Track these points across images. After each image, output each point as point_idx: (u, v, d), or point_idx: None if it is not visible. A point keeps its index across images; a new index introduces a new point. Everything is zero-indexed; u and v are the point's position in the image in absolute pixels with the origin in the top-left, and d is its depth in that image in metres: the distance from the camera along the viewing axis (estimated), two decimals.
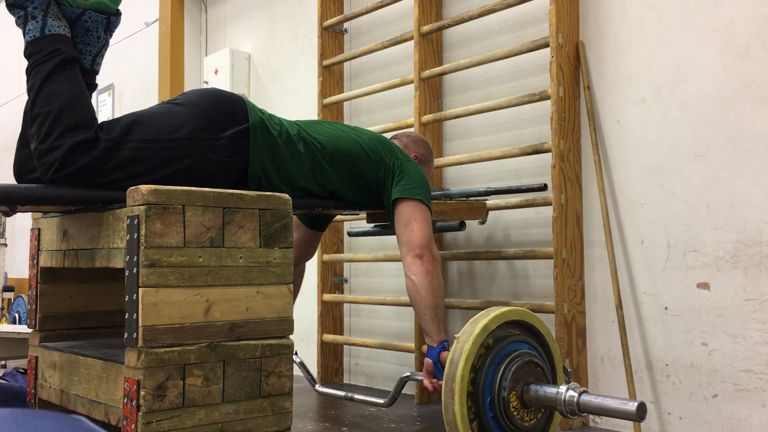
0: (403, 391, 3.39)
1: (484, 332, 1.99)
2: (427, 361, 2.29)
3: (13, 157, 2.04)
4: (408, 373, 2.45)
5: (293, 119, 2.93)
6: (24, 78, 1.99)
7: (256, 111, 2.14)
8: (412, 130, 3.28)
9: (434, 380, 2.26)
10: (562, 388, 1.96)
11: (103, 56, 2.12)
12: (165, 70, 5.07)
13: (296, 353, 2.89)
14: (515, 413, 1.98)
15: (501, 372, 1.98)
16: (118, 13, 2.11)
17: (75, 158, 1.85)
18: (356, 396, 2.73)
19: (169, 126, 1.97)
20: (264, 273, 1.85)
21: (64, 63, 1.92)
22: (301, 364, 2.93)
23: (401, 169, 2.42)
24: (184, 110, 2.02)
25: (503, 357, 2.01)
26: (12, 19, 1.98)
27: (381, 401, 2.56)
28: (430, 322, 2.29)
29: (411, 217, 2.35)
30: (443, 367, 2.23)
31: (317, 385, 2.90)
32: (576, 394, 1.94)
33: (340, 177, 2.34)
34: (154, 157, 1.93)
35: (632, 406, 1.86)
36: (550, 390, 1.98)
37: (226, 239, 1.79)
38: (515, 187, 2.78)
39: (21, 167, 2.02)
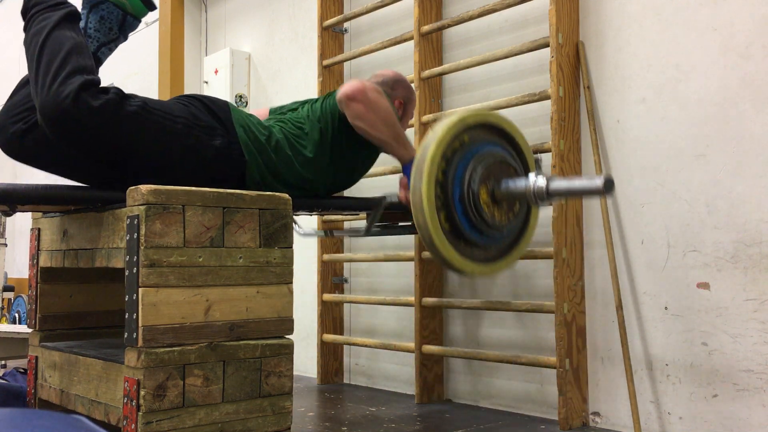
0: (404, 391, 3.40)
1: (460, 124, 1.94)
2: (402, 178, 2.32)
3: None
4: (384, 194, 2.42)
5: None
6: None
7: (242, 117, 2.14)
8: (412, 131, 3.26)
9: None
10: (531, 176, 1.93)
11: (111, 50, 2.14)
12: (165, 70, 5.07)
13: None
14: (485, 207, 1.94)
15: (472, 167, 1.93)
16: (136, 17, 2.13)
17: (87, 97, 1.80)
18: (336, 232, 2.74)
19: (169, 109, 1.99)
20: (264, 273, 1.85)
21: (70, 15, 1.93)
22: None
23: None
24: (181, 105, 2.04)
25: (475, 153, 1.96)
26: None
27: (360, 229, 2.52)
28: (397, 148, 2.30)
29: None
30: None
31: (299, 228, 2.82)
32: (545, 180, 1.91)
33: (328, 164, 2.32)
34: (155, 126, 1.92)
35: (599, 180, 1.82)
36: (520, 180, 1.94)
37: (226, 239, 1.79)
38: None
39: (6, 114, 1.98)
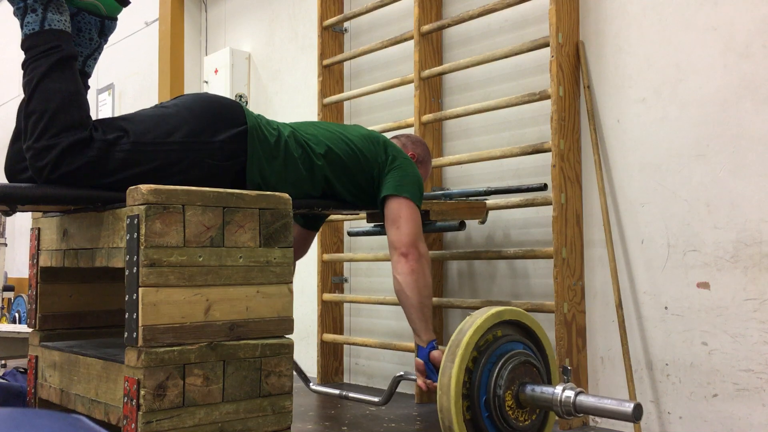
0: (404, 391, 3.40)
1: (497, 318, 2.01)
2: (418, 361, 2.29)
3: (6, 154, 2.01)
4: (402, 373, 2.45)
5: (293, 119, 2.93)
6: None
7: (252, 116, 2.13)
8: (412, 131, 3.28)
9: (428, 380, 2.26)
10: (559, 388, 1.95)
11: (96, 60, 2.10)
12: (165, 69, 5.07)
13: None
14: (510, 413, 1.98)
15: (497, 371, 1.98)
16: (113, 18, 2.08)
17: (69, 159, 1.82)
18: (351, 394, 2.73)
19: (164, 129, 1.94)
20: (264, 272, 1.85)
21: (62, 61, 1.87)
22: (294, 364, 2.92)
23: (392, 166, 2.41)
24: (178, 114, 2.00)
25: (498, 356, 2.00)
26: (12, 19, 1.96)
27: (376, 399, 2.56)
28: (417, 321, 2.29)
29: (397, 214, 2.34)
30: (434, 367, 2.22)
31: (311, 384, 2.89)
32: (572, 395, 1.93)
33: (336, 180, 2.33)
34: (148, 160, 1.90)
35: (628, 407, 1.85)
36: (547, 390, 1.97)
37: (226, 239, 1.79)
38: (515, 187, 2.78)
39: (12, 164, 1.99)
